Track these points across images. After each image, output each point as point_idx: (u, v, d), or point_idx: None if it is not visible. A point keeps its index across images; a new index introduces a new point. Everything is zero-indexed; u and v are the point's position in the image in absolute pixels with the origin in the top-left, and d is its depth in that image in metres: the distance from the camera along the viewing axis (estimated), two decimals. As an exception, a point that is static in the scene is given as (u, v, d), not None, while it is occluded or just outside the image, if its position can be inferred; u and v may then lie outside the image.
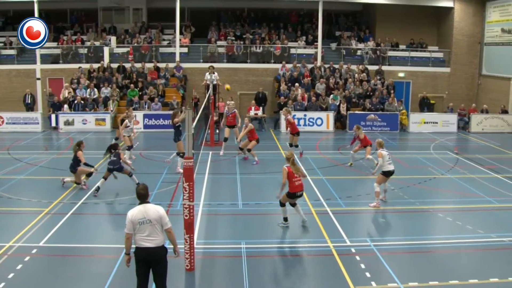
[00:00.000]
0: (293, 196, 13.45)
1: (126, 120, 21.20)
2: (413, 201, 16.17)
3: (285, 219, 13.72)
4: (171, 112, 28.16)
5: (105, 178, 16.63)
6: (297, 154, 20.93)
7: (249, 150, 21.43)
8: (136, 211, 8.81)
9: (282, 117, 23.96)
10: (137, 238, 8.77)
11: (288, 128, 23.13)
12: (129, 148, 21.15)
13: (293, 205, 13.76)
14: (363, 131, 21.41)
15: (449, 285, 10.50)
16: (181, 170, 17.47)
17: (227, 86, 26.38)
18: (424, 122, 30.26)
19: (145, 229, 8.71)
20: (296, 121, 28.91)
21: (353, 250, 12.26)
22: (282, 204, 13.65)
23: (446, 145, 26.00)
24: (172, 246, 9.15)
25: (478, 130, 30.38)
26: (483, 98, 35.37)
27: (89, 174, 17.16)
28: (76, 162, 16.98)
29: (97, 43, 35.02)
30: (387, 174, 15.56)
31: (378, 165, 15.78)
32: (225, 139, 22.78)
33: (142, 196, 8.94)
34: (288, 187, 13.39)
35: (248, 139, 21.41)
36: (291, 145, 22.22)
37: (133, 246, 8.83)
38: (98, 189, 16.33)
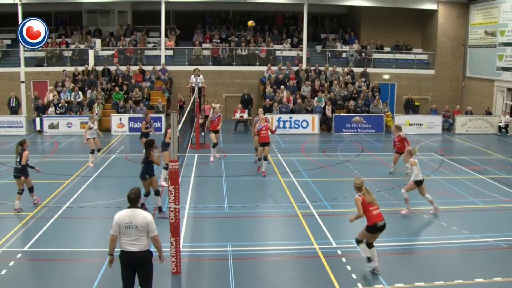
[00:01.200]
0: (374, 229, 11.11)
1: (89, 122, 21.00)
2: (398, 202, 16.21)
3: (369, 259, 11.19)
4: (157, 115, 28.40)
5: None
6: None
7: (265, 158, 19.56)
8: (124, 214, 8.77)
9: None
10: (122, 242, 8.73)
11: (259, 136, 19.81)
12: (92, 151, 20.98)
13: (370, 246, 11.22)
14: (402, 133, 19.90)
15: (434, 286, 10.56)
16: (164, 184, 17.35)
17: (250, 22, 26.77)
18: (409, 124, 30.39)
19: (130, 234, 8.67)
20: (281, 124, 29.15)
21: (339, 252, 12.30)
22: (359, 242, 11.39)
23: (431, 147, 26.14)
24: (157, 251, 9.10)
25: (462, 132, 30.59)
26: (467, 100, 35.67)
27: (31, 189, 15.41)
28: (23, 166, 15.02)
29: (81, 46, 34.86)
30: (419, 183, 15.12)
31: (414, 173, 15.11)
32: (214, 145, 22.05)
33: (132, 200, 8.90)
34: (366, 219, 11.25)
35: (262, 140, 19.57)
36: (265, 158, 19.67)
37: (118, 249, 8.77)
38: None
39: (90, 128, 20.79)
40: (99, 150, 21.06)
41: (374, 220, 10.98)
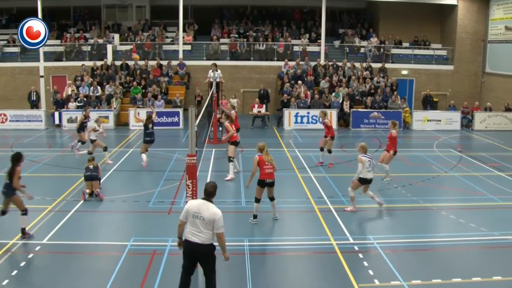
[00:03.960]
0: (263, 183, 13.66)
1: (96, 125, 20.78)
2: (416, 199, 16.15)
3: (255, 216, 13.90)
4: (175, 109, 28.54)
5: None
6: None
7: (329, 151, 20.27)
8: (195, 204, 8.98)
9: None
10: (187, 231, 8.91)
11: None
12: (86, 148, 21.19)
13: (271, 199, 13.92)
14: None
15: (452, 283, 10.50)
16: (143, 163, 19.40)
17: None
18: (428, 120, 30.22)
19: (196, 224, 8.81)
20: (299, 119, 29.19)
21: (356, 248, 12.27)
22: (257, 200, 13.78)
23: (449, 143, 25.96)
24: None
25: (481, 128, 30.33)
26: (486, 96, 35.32)
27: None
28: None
29: (100, 41, 35.07)
30: (363, 181, 14.85)
31: (358, 171, 14.83)
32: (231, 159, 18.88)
33: (208, 194, 9.06)
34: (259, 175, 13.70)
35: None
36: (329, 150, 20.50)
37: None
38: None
39: (95, 130, 20.66)
40: (105, 149, 20.99)
41: (264, 177, 13.57)
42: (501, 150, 24.72)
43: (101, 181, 16.55)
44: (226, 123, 18.91)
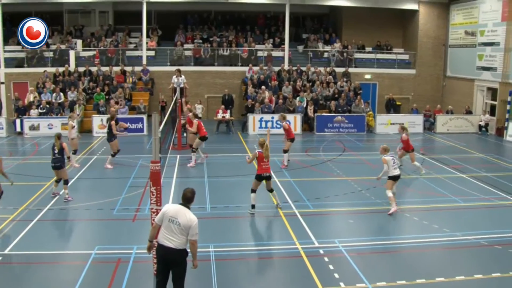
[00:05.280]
0: (260, 177, 14.98)
1: (70, 121, 20.90)
2: (380, 201, 16.31)
3: (253, 206, 14.94)
4: (139, 115, 28.38)
5: None
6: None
7: (285, 151, 21.37)
8: (173, 208, 8.94)
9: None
10: (161, 235, 8.85)
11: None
12: (75, 152, 21.12)
13: (270, 190, 15.40)
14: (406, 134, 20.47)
15: (416, 284, 10.62)
16: (109, 166, 20.19)
17: None
18: (391, 123, 30.57)
19: (171, 229, 8.77)
20: (264, 124, 29.26)
21: (321, 251, 12.32)
22: (253, 191, 14.97)
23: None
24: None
25: (443, 131, 30.85)
26: (448, 99, 35.98)
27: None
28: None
29: (62, 47, 34.59)
30: (394, 178, 15.49)
31: (383, 170, 15.46)
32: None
33: (187, 199, 9.05)
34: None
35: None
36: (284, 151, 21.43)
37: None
38: None
39: (73, 127, 20.66)
40: (75, 152, 20.86)
41: (262, 171, 14.88)
42: (462, 152, 25.15)
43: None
44: (194, 121, 21.18)
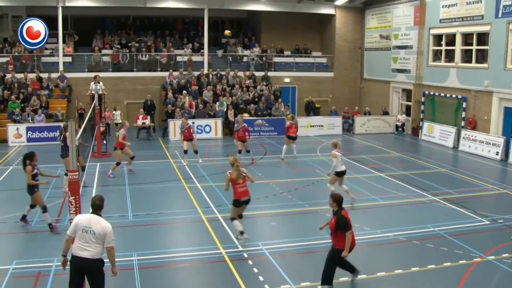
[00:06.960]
0: (238, 203, 13.07)
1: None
2: (302, 203, 16.47)
3: (241, 233, 12.89)
4: (56, 123, 27.44)
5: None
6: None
7: (248, 151, 22.66)
8: (85, 218, 8.68)
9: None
10: (75, 246, 8.54)
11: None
12: None
13: (240, 216, 13.30)
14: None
15: (339, 282, 10.73)
16: (67, 190, 17.36)
17: (227, 32, 28.05)
18: (310, 126, 31.03)
19: (85, 238, 8.50)
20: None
21: (245, 255, 12.28)
22: (233, 219, 13.14)
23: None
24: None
25: (361, 132, 31.61)
26: (365, 101, 36.91)
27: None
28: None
29: (-27, 53, 33.11)
30: (339, 174, 16.16)
31: (332, 165, 16.17)
32: (239, 151, 22.91)
33: (96, 207, 8.83)
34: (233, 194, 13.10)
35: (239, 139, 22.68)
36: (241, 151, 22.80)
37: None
38: None
39: None
40: None
41: (238, 196, 12.93)
42: (380, 152, 25.82)
43: None
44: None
